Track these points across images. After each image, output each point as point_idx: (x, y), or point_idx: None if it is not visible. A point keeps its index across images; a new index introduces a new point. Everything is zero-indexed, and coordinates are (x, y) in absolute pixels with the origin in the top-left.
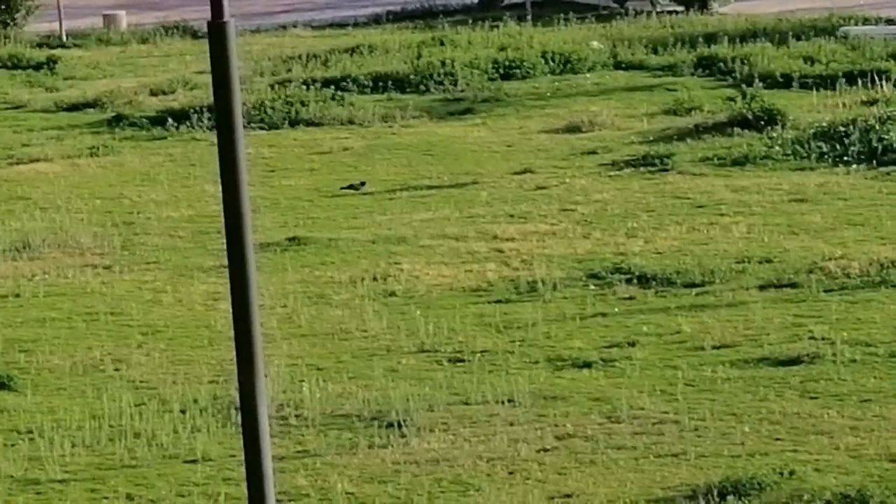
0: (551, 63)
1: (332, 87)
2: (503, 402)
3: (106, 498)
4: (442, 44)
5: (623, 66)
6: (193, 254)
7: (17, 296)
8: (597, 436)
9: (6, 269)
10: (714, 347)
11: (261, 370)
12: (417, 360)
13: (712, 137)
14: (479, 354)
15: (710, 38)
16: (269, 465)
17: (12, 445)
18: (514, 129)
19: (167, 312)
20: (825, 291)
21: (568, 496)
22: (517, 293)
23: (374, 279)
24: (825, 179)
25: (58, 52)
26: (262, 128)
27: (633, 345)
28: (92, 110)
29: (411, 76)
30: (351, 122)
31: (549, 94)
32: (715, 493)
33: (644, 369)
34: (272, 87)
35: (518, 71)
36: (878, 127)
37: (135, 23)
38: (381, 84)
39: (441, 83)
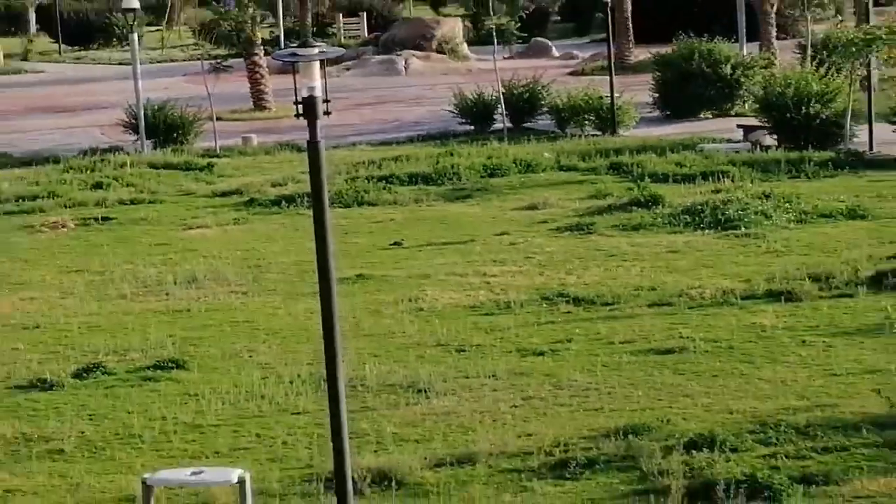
0: (519, 166)
1: (384, 181)
2: (489, 377)
3: (243, 436)
4: (452, 154)
5: (564, 168)
6: (298, 285)
7: (188, 311)
8: (548, 398)
9: (182, 295)
10: (620, 343)
11: (339, 357)
12: (436, 350)
13: (619, 213)
14: (474, 347)
15: (618, 151)
16: (344, 416)
17: (184, 403)
18: (496, 207)
19: (282, 321)
20: (689, 308)
21: (529, 435)
22: (498, 309)
23: (410, 300)
24: (688, 239)
25: (214, 160)
26: (339, 207)
27: (570, 341)
28: (235, 196)
29: (433, 174)
30: (395, 203)
31: (518, 185)
32: (621, 433)
33: (577, 356)
34: (346, 181)
35: (499, 171)
36: (721, 206)
37: (262, 141)
38: (414, 179)
39: (451, 179)
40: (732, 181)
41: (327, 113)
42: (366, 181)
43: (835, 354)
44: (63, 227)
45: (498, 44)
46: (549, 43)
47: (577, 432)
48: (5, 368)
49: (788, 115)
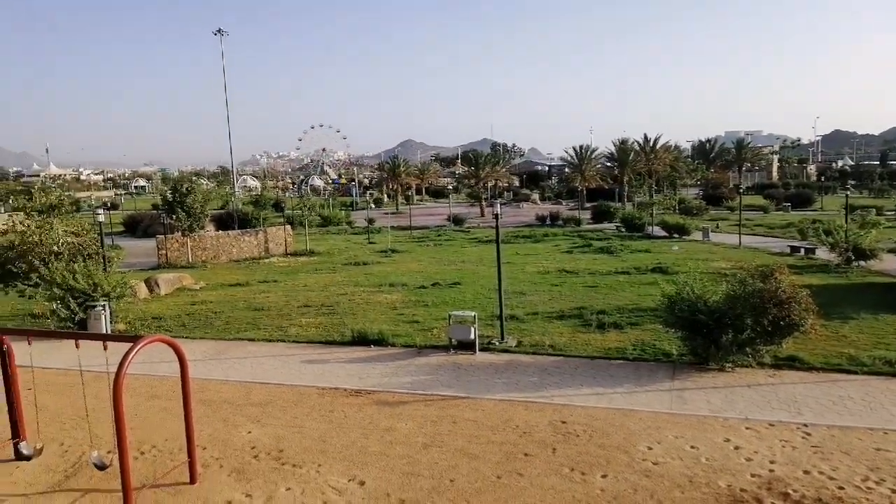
0: (551, 235)
1: (520, 237)
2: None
3: (474, 304)
4: (533, 231)
5: (574, 234)
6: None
7: (460, 270)
8: (560, 299)
9: (458, 265)
10: (579, 283)
11: (502, 280)
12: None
13: (580, 249)
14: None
15: (580, 231)
16: (501, 299)
17: (460, 293)
18: (553, 244)
19: (477, 273)
20: (600, 275)
21: (553, 308)
22: (544, 272)
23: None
24: (599, 256)
25: (466, 229)
26: (502, 243)
27: (563, 283)
28: (476, 239)
29: (530, 236)
30: (523, 243)
31: (562, 238)
32: (578, 308)
33: (569, 288)
34: (505, 236)
35: (547, 235)
36: (608, 247)
37: (481, 222)
38: (524, 237)
39: (533, 237)
40: (612, 240)
41: (500, 217)
42: (512, 237)
43: (641, 290)
44: (430, 245)
45: (548, 200)
46: (562, 201)
47: (566, 307)
48: (411, 283)
49: (630, 222)
